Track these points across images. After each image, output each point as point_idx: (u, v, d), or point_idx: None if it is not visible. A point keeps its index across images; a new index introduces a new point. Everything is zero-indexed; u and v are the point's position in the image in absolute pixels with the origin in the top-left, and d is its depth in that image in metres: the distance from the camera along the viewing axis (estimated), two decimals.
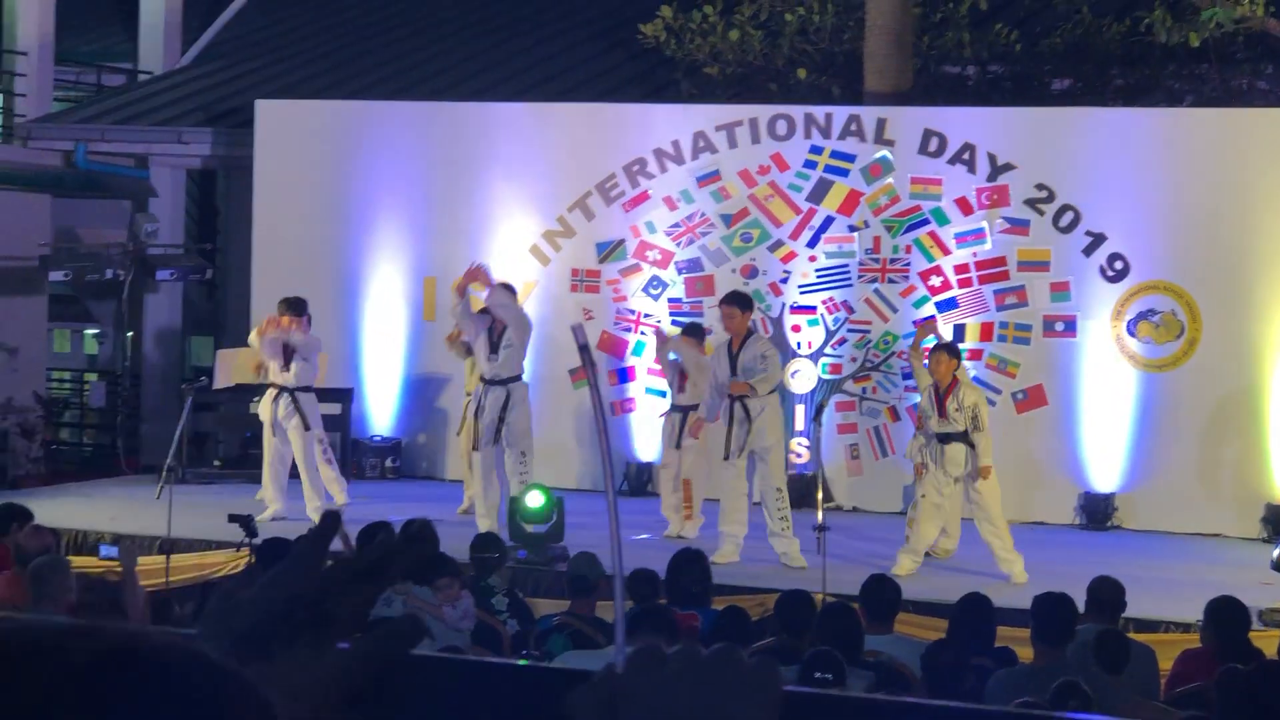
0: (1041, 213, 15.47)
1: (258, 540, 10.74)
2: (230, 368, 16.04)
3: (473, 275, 13.59)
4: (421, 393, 17.09)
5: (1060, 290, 15.42)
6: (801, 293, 15.97)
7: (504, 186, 16.75)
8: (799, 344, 15.93)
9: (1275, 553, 12.54)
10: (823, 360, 15.92)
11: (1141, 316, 15.22)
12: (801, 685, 6.51)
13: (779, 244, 16.04)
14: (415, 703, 1.67)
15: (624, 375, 16.38)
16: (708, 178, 16.23)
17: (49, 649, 1.15)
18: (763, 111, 16.33)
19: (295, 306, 14.15)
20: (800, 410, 15.79)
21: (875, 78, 16.81)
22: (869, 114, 16.03)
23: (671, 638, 7.16)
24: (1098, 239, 15.32)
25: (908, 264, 15.74)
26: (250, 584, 1.43)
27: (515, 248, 16.54)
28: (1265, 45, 16.98)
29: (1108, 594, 8.99)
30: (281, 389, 14.07)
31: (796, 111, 16.23)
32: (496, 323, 13.49)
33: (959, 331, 15.29)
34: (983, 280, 15.57)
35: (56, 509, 13.45)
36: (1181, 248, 15.18)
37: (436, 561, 8.83)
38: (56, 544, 9.87)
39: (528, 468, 13.40)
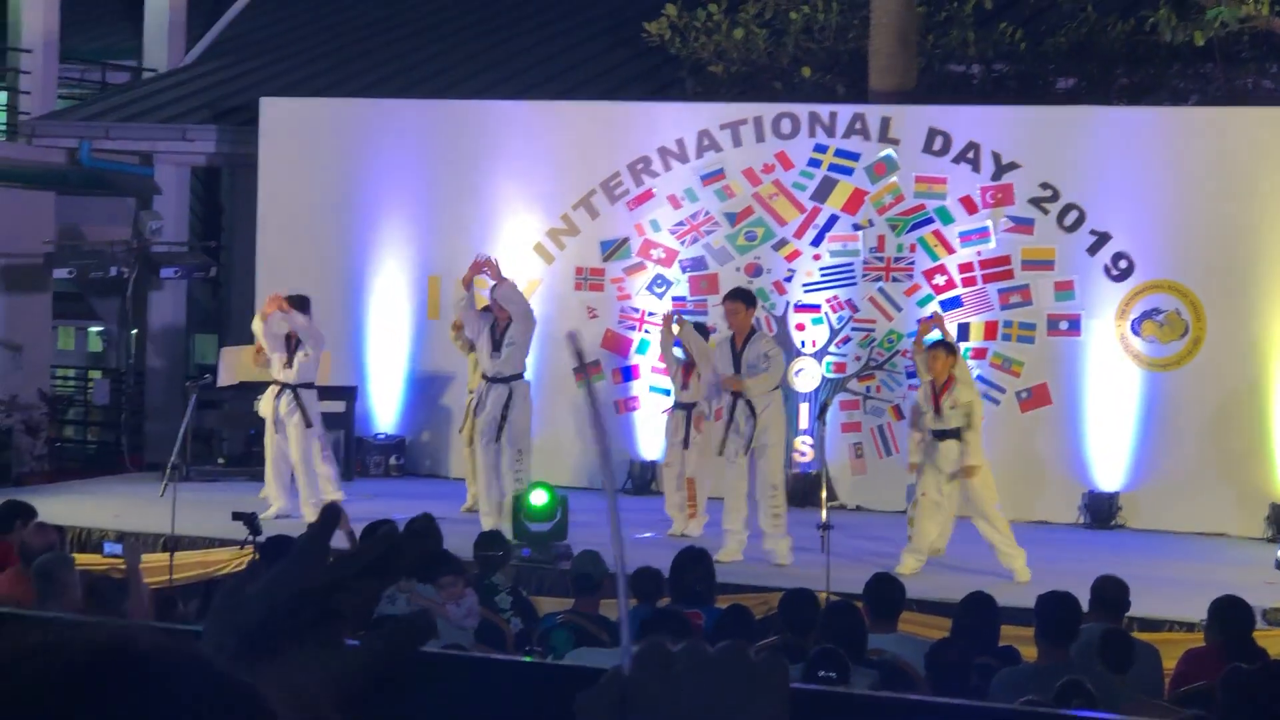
0: (1046, 212, 15.46)
1: (261, 538, 10.75)
2: (234, 365, 16.06)
3: (478, 267, 13.59)
4: (425, 390, 17.09)
5: (1064, 289, 15.41)
6: (806, 291, 15.97)
7: (508, 184, 16.75)
8: (803, 342, 15.93)
9: (1279, 552, 12.53)
10: (827, 359, 15.92)
11: (1146, 315, 15.21)
12: (806, 684, 6.50)
13: (783, 242, 16.04)
14: (421, 699, 1.66)
15: (628, 373, 16.38)
16: (712, 176, 16.23)
17: (36, 648, 1.14)
18: (767, 110, 16.33)
19: (298, 304, 14.15)
20: (804, 409, 15.79)
21: (880, 76, 16.80)
22: (873, 112, 16.02)
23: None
24: (1102, 238, 15.31)
25: (912, 263, 15.74)
26: (256, 580, 1.43)
27: (519, 246, 16.54)
28: (1270, 44, 16.96)
29: (1112, 593, 8.99)
30: (284, 386, 14.07)
31: (801, 110, 16.23)
32: (499, 320, 13.49)
33: (963, 330, 15.28)
34: (987, 279, 15.57)
35: (61, 506, 13.47)
36: (1186, 247, 15.17)
37: (440, 559, 8.83)
38: (61, 541, 9.88)
39: (524, 467, 13.38)
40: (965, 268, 15.61)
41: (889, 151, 15.83)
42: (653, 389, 16.10)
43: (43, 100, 20.52)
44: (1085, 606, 8.52)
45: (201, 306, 21.56)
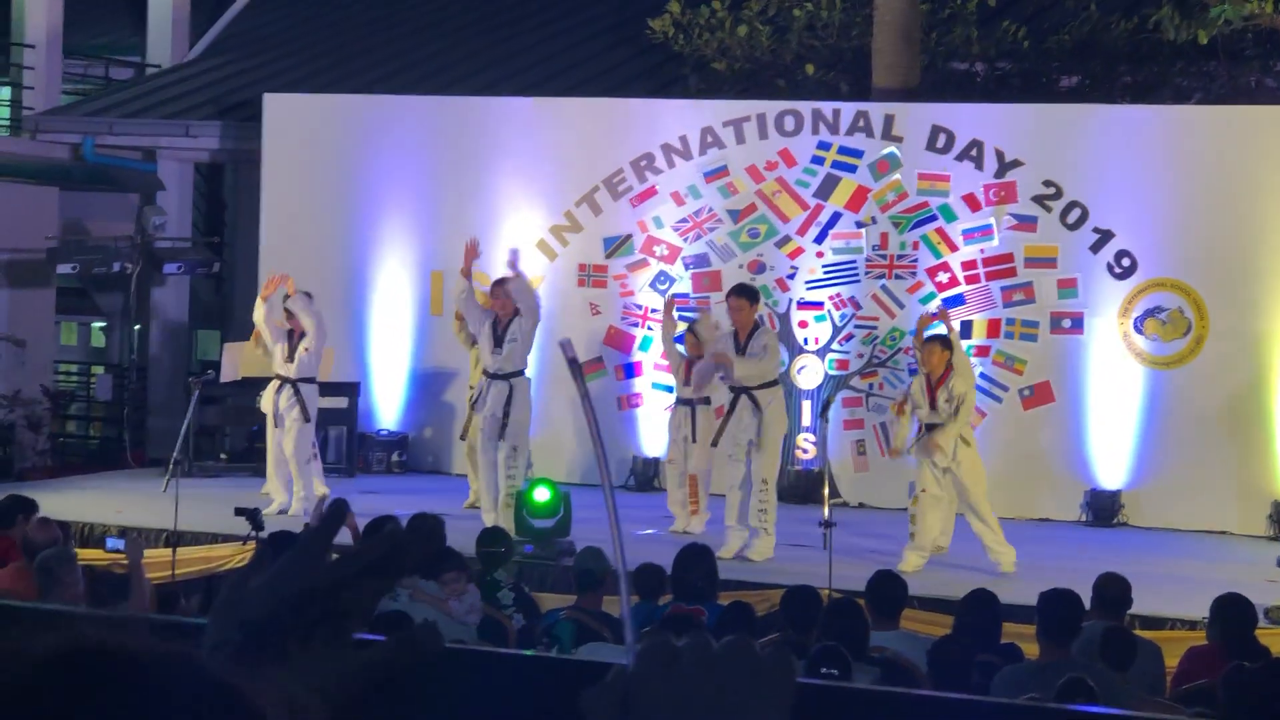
0: (1049, 209, 15.46)
1: (264, 533, 10.75)
2: (237, 361, 16.06)
3: (471, 252, 13.54)
4: (428, 387, 17.09)
5: (1067, 287, 15.41)
6: (808, 288, 15.96)
7: (511, 181, 16.75)
8: (806, 340, 15.93)
9: None
10: (829, 356, 15.91)
11: (1149, 313, 15.21)
12: (808, 679, 6.50)
13: (786, 240, 16.04)
14: (424, 694, 1.66)
15: (630, 370, 16.39)
16: (715, 173, 16.23)
17: (10, 646, 1.14)
18: (770, 107, 16.33)
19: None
20: (807, 406, 15.79)
21: (883, 74, 16.80)
22: (877, 110, 16.02)
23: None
24: (1105, 236, 15.31)
25: (915, 260, 15.73)
26: (260, 575, 1.43)
27: (522, 242, 16.51)
28: (1274, 42, 16.95)
29: (1114, 591, 8.98)
30: (284, 380, 14.07)
31: (804, 107, 16.22)
32: (500, 316, 13.47)
33: (966, 328, 15.27)
34: (990, 277, 15.56)
35: (63, 502, 13.47)
36: (1189, 245, 15.17)
37: (443, 555, 8.84)
38: (64, 536, 9.87)
39: (517, 464, 13.34)
40: (968, 265, 15.61)
41: (892, 149, 15.83)
42: (655, 385, 16.10)
43: (46, 96, 20.54)
44: (1087, 604, 8.52)
45: (204, 302, 21.57)
